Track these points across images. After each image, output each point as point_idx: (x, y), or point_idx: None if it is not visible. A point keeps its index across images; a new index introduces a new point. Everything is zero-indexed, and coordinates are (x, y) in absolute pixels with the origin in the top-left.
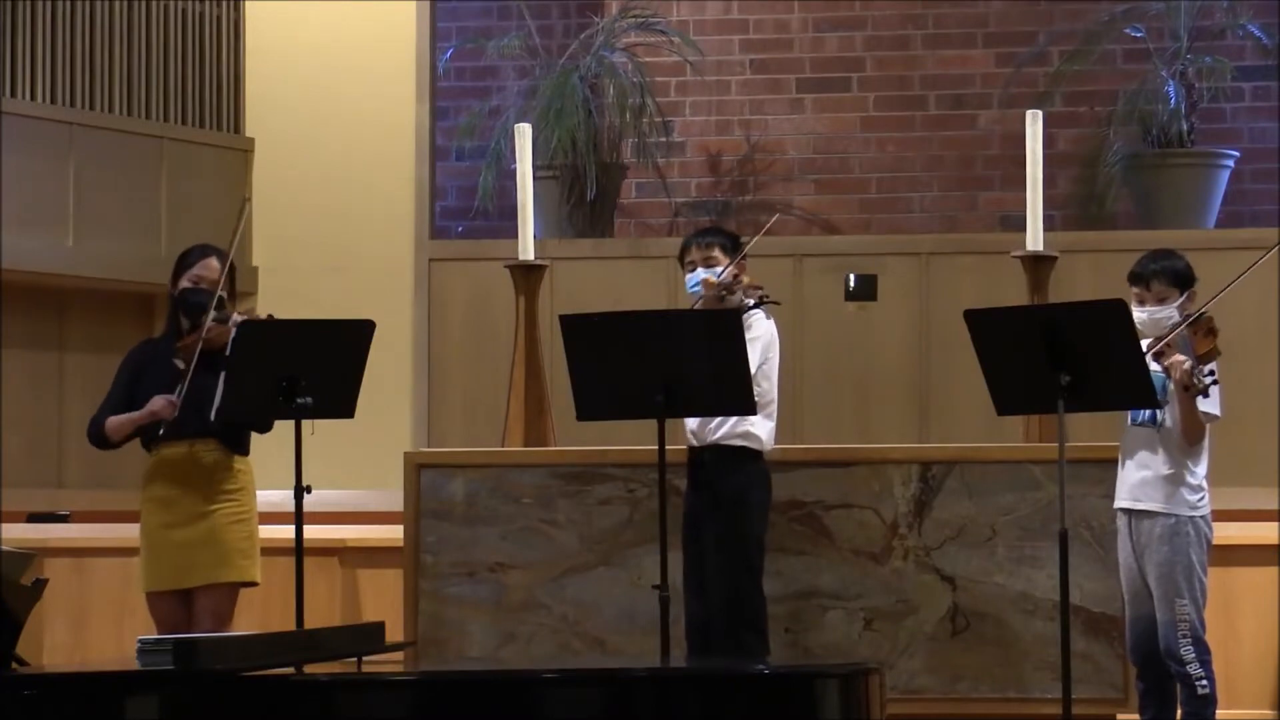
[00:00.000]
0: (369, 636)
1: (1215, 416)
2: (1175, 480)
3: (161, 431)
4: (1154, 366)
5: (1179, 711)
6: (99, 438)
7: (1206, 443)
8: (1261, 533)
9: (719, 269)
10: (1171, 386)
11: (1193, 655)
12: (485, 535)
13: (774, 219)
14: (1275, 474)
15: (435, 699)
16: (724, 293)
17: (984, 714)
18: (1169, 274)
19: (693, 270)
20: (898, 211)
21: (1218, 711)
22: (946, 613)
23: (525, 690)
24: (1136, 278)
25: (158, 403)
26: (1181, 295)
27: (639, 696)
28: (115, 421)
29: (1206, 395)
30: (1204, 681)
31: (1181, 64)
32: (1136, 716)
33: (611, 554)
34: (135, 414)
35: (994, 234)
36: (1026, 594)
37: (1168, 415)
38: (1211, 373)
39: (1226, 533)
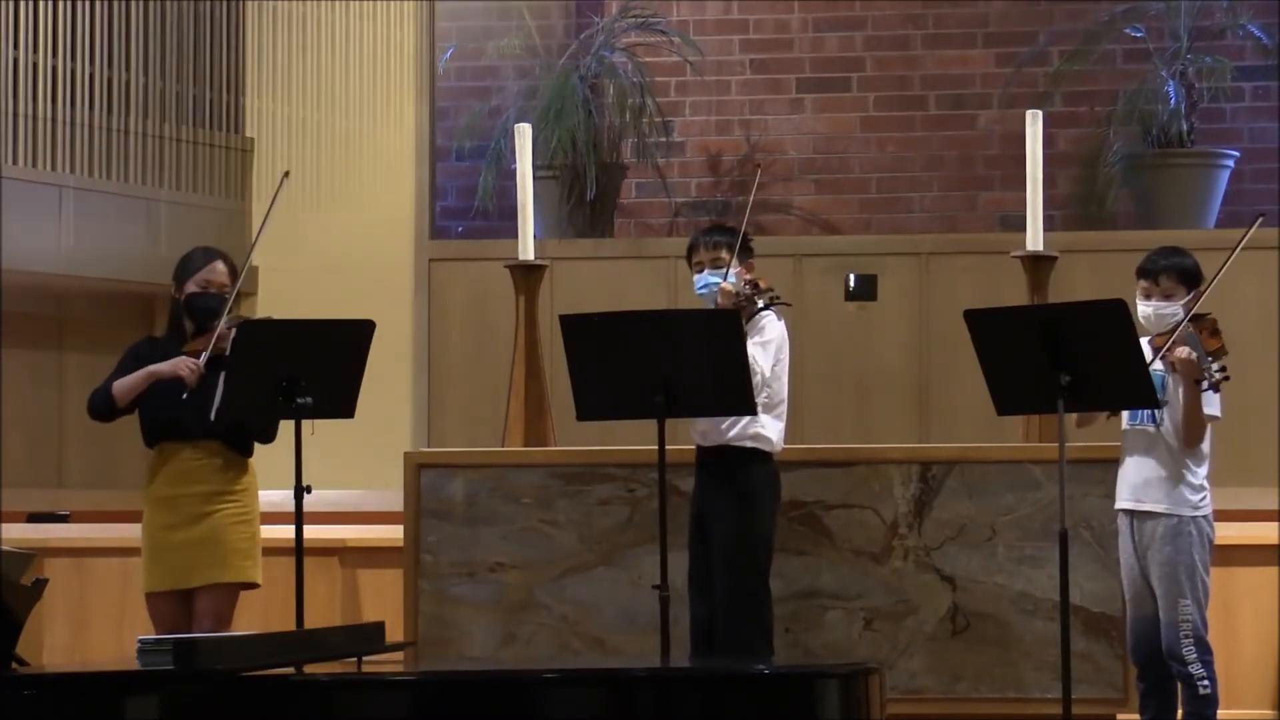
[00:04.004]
0: (369, 636)
1: (1216, 418)
2: (1176, 480)
3: (186, 395)
4: (1156, 366)
5: (1180, 712)
6: (105, 403)
7: (1208, 444)
8: (1261, 533)
9: (725, 271)
10: (1171, 384)
11: (1194, 655)
12: (485, 535)
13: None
14: (1275, 474)
15: (435, 699)
16: (743, 301)
17: (984, 714)
18: (1178, 271)
19: (700, 271)
20: (898, 211)
21: (1218, 711)
22: (946, 613)
23: (525, 690)
24: (1145, 272)
25: (183, 363)
26: (1188, 293)
27: (639, 696)
28: (124, 381)
29: (1217, 390)
30: (1205, 682)
31: (1181, 64)
32: (1137, 716)
33: (611, 554)
34: (153, 366)
35: (994, 234)
36: (1026, 594)
37: (1166, 415)
38: (1223, 369)
39: (1226, 533)
